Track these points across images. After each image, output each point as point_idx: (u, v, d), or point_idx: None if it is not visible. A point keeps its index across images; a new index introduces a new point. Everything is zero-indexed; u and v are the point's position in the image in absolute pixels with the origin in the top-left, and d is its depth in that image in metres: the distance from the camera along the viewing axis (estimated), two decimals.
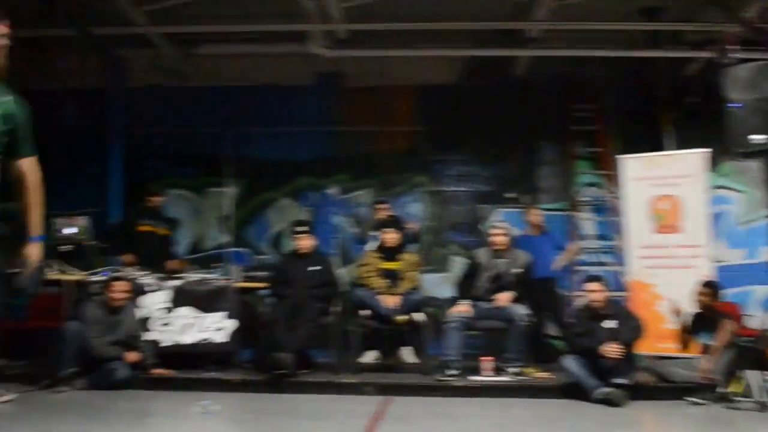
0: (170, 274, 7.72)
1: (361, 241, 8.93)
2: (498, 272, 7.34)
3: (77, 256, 7.71)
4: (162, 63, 9.83)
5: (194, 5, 8.46)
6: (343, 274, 9.14)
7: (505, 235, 7.45)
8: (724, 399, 5.88)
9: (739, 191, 10.04)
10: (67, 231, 7.76)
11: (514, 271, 7.33)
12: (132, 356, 6.77)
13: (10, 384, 6.40)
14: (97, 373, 6.57)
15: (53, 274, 7.50)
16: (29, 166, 3.39)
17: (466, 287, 7.40)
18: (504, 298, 7.17)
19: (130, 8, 8.34)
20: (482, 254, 7.52)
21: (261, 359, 7.30)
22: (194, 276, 7.83)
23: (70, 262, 7.57)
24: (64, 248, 7.71)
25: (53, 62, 9.93)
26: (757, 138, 6.15)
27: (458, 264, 9.34)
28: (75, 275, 7.50)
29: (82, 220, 7.85)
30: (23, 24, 8.37)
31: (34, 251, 3.39)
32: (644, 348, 6.89)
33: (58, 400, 6.01)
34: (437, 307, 7.99)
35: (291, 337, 7.02)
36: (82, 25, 8.73)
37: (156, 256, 8.18)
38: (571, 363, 6.31)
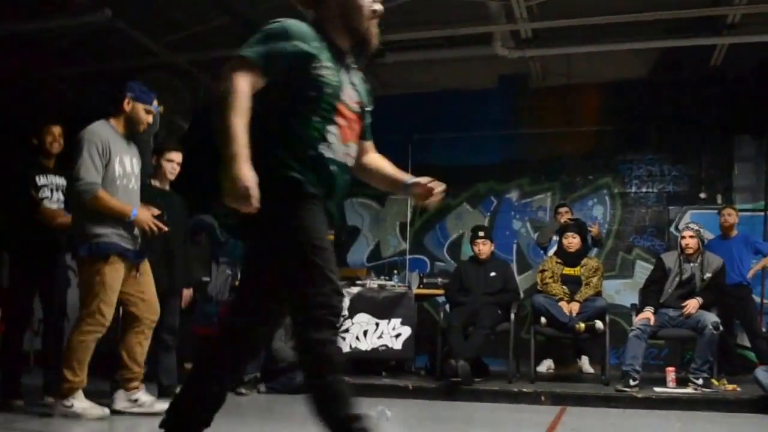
0: (350, 281, 7.86)
1: (542, 246, 8.72)
2: (687, 277, 6.93)
3: None
4: None
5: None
6: (523, 280, 8.96)
7: (696, 237, 7.01)
8: None
9: None
10: None
11: (705, 276, 6.89)
12: None
13: None
14: (279, 379, 6.80)
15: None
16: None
17: (652, 293, 7.02)
18: (692, 304, 6.74)
19: None
20: (670, 258, 7.13)
21: (436, 366, 7.30)
22: (373, 283, 7.92)
23: None
24: None
25: None
26: None
27: (643, 269, 8.90)
28: None
29: None
30: (221, 44, 8.92)
31: None
32: None
33: (239, 403, 6.24)
34: (620, 314, 7.67)
35: (467, 344, 6.97)
36: None
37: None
38: (764, 375, 5.83)
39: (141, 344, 5.00)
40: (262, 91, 2.77)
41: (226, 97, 2.66)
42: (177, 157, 5.77)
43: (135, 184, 4.93)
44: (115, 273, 4.71)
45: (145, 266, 5.03)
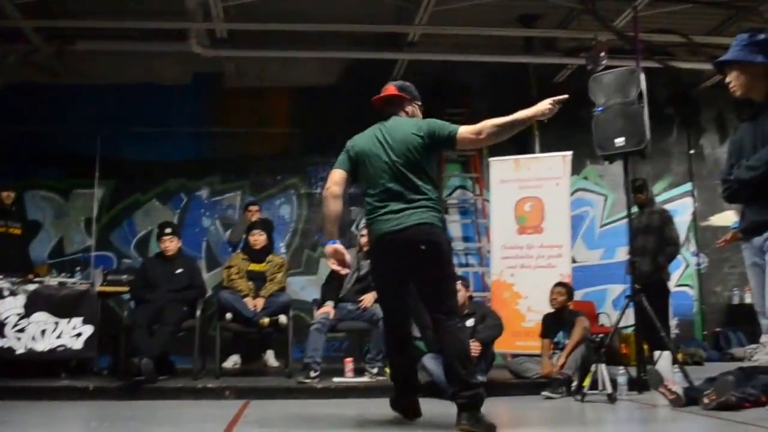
0: (27, 279, 7.41)
1: (233, 244, 8.81)
2: (363, 273, 7.35)
3: None
4: (35, 59, 9.49)
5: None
6: (212, 277, 9.00)
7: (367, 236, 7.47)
8: (577, 392, 6.05)
9: (600, 194, 10.43)
10: None
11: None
12: None
13: None
14: None
15: None
16: None
17: (332, 289, 7.37)
18: (368, 299, 7.19)
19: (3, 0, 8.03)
20: (349, 255, 7.48)
21: (120, 366, 7.12)
22: (52, 280, 7.53)
23: None
24: None
25: None
26: (618, 141, 6.37)
27: (327, 267, 9.32)
28: None
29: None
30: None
31: None
32: (503, 346, 7.05)
33: None
34: (304, 310, 7.96)
35: (151, 341, 6.84)
36: None
37: (9, 258, 7.83)
38: (430, 362, 6.35)
39: None
40: None
41: None
42: None
43: None
44: None
45: None
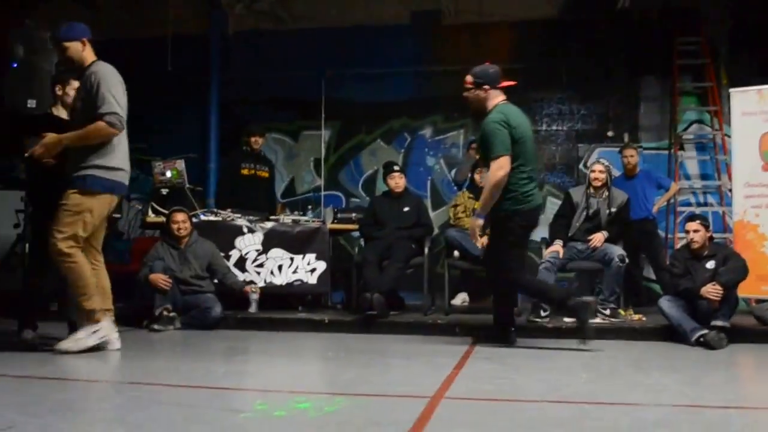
0: (264, 217, 7.78)
1: (459, 183, 8.78)
2: (593, 212, 7.11)
3: (174, 199, 7.86)
4: (260, 7, 9.87)
5: None
6: (437, 216, 9.05)
7: (605, 172, 7.18)
8: None
9: None
10: (166, 175, 7.94)
11: (611, 210, 7.09)
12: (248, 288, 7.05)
13: None
14: (192, 313, 6.75)
15: (152, 218, 7.72)
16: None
17: (560, 227, 7.19)
18: (598, 238, 6.95)
19: None
20: (577, 193, 7.29)
21: (352, 300, 7.34)
22: (286, 218, 7.87)
23: (167, 205, 7.73)
24: (163, 192, 7.92)
25: (156, 10, 10.07)
26: None
27: (554, 205, 9.08)
28: None
29: (179, 164, 7.99)
30: None
31: None
32: (747, 290, 6.56)
33: (153, 339, 6.17)
34: (531, 249, 7.81)
35: (381, 277, 7.03)
36: None
37: (259, 199, 8.28)
38: (668, 305, 6.06)
39: None
40: None
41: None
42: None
43: None
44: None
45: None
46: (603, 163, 7.26)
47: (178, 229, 6.98)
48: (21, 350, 5.12)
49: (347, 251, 9.08)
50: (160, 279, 6.70)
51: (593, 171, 7.19)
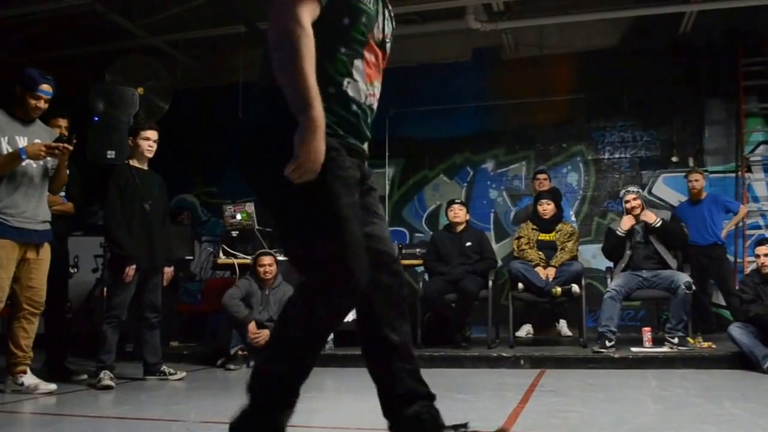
0: None
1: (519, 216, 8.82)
2: (640, 237, 7.15)
3: (244, 241, 8.06)
4: None
5: None
6: (501, 248, 9.06)
7: (639, 198, 7.21)
8: None
9: None
10: (236, 217, 8.15)
11: (655, 224, 7.09)
12: None
13: (184, 363, 6.83)
14: None
15: (223, 259, 7.93)
16: None
17: (614, 256, 7.24)
18: (649, 215, 7.07)
19: None
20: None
21: (417, 334, 7.39)
22: None
23: (237, 247, 7.92)
24: (233, 234, 8.13)
25: (227, 58, 10.34)
26: None
27: None
28: (243, 259, 7.84)
29: (249, 207, 8.20)
30: (200, 26, 8.97)
31: None
32: None
33: (226, 377, 6.31)
34: (596, 278, 7.78)
35: (457, 314, 7.20)
36: (251, 22, 9.03)
37: None
38: (738, 331, 5.96)
39: (24, 329, 5.09)
40: None
41: (292, 40, 2.26)
42: (153, 135, 5.81)
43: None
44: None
45: (45, 251, 5.15)
46: (633, 191, 7.26)
47: (265, 272, 7.11)
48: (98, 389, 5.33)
49: (412, 286, 9.13)
50: (252, 332, 6.81)
51: (627, 201, 7.21)
